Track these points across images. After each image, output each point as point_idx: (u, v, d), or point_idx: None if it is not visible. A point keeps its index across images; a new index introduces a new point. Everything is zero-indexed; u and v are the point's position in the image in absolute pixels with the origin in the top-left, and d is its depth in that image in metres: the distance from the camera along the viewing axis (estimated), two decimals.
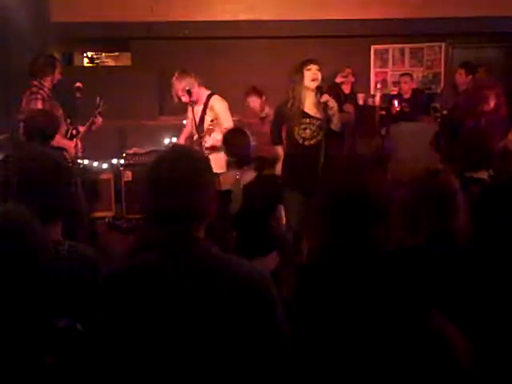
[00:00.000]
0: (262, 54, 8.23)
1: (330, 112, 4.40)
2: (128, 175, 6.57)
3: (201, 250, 1.60)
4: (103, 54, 11.37)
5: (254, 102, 6.06)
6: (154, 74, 8.13)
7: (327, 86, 5.01)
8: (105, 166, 6.84)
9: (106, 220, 6.53)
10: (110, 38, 8.52)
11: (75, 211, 2.28)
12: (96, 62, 11.45)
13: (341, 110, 5.68)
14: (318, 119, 4.48)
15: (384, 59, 8.81)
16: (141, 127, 7.40)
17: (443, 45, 8.71)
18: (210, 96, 5.08)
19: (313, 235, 2.15)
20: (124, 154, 6.73)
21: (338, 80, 7.47)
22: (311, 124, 4.49)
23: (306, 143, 4.49)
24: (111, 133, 6.82)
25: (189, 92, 4.91)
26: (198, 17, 8.07)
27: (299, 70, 4.49)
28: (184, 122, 5.58)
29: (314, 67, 4.47)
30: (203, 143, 4.79)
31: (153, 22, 7.97)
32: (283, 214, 4.02)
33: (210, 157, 4.30)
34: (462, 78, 6.80)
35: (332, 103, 4.41)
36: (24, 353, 1.58)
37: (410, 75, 7.65)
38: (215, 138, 4.81)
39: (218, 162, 4.03)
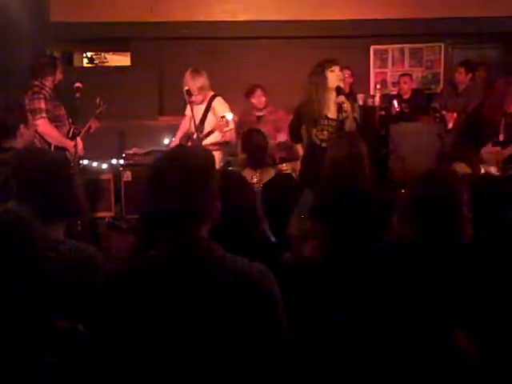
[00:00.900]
0: (261, 54, 8.23)
1: (344, 114, 4.40)
2: (128, 175, 6.56)
3: (202, 250, 1.60)
4: (103, 54, 11.38)
5: (260, 97, 6.01)
6: (153, 74, 8.14)
7: None
8: (104, 166, 6.83)
9: (106, 220, 6.52)
10: (110, 38, 8.52)
11: (79, 211, 2.26)
12: (96, 62, 11.45)
13: None
14: (335, 120, 4.48)
15: (383, 59, 8.81)
16: (140, 127, 7.40)
17: (443, 45, 8.71)
18: (213, 97, 5.09)
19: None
20: (124, 154, 6.73)
21: None
22: (329, 126, 4.49)
23: (324, 145, 4.49)
24: (111, 133, 6.82)
25: (188, 92, 4.91)
26: (198, 17, 8.07)
27: (321, 72, 4.45)
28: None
29: (336, 68, 4.47)
30: (204, 141, 4.81)
31: (153, 22, 7.97)
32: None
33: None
34: (461, 77, 6.80)
35: (346, 106, 4.41)
36: (24, 353, 1.58)
37: (410, 75, 7.64)
38: (216, 138, 4.84)
39: None
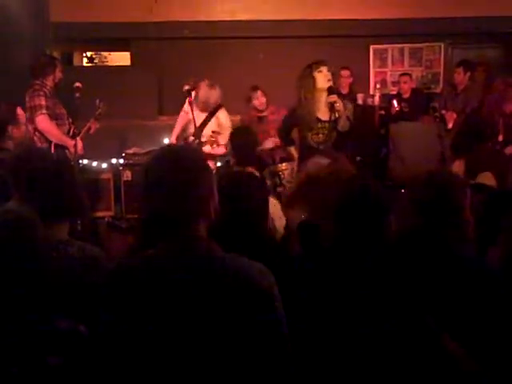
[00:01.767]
0: (259, 54, 8.23)
1: (337, 114, 4.36)
2: (128, 175, 6.56)
3: (202, 250, 1.60)
4: (103, 54, 11.38)
5: (260, 98, 6.01)
6: (153, 74, 8.14)
7: None
8: (104, 165, 6.84)
9: (106, 220, 6.52)
10: (110, 38, 8.53)
11: (81, 211, 2.27)
12: (95, 61, 11.45)
13: None
14: (328, 122, 4.45)
15: (383, 59, 8.81)
16: (140, 127, 7.40)
17: (442, 45, 8.71)
18: (218, 106, 5.09)
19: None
20: (124, 154, 6.73)
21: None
22: (323, 128, 4.47)
23: (321, 147, 4.48)
24: (111, 133, 6.81)
25: (189, 92, 4.92)
26: (198, 17, 8.08)
27: (309, 74, 4.41)
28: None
29: (324, 68, 4.41)
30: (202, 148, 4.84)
31: (153, 22, 7.97)
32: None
33: None
34: (460, 77, 6.81)
35: (339, 105, 4.36)
36: (26, 354, 1.58)
37: (410, 75, 7.65)
38: (215, 149, 4.89)
39: None
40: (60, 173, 2.14)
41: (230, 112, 5.24)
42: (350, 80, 7.64)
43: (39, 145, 4.84)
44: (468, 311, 1.94)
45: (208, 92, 4.98)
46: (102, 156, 6.76)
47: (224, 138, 5.00)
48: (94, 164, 6.71)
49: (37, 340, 1.61)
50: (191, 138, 4.99)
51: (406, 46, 8.75)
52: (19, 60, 5.58)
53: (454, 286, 1.99)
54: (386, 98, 7.78)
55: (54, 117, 5.00)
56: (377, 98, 7.81)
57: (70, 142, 5.02)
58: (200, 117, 5.03)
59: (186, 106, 5.15)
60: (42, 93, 4.94)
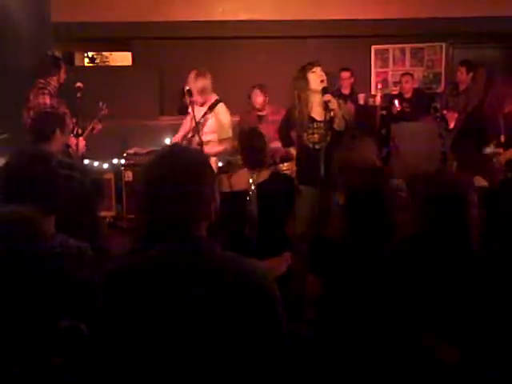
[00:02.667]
0: (261, 54, 8.23)
1: (332, 113, 4.37)
2: (129, 175, 6.56)
3: (203, 250, 1.59)
4: (104, 54, 11.39)
5: (258, 96, 6.00)
6: (154, 74, 8.15)
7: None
8: (105, 165, 6.84)
9: (107, 220, 6.52)
10: (111, 37, 8.54)
11: (60, 203, 2.22)
12: (97, 61, 11.46)
13: None
14: (323, 122, 4.46)
15: (384, 59, 8.81)
16: (141, 127, 7.40)
17: (444, 45, 8.71)
18: (216, 102, 5.07)
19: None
20: (124, 154, 6.73)
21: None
22: (319, 128, 4.48)
23: (317, 147, 4.48)
24: (112, 133, 6.81)
25: (189, 92, 4.90)
26: (198, 17, 8.07)
27: (303, 75, 4.45)
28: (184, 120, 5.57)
29: (318, 69, 4.44)
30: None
31: (153, 22, 7.98)
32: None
33: None
34: (462, 76, 6.82)
35: (333, 104, 4.37)
36: (28, 354, 1.58)
37: (411, 75, 7.64)
38: (212, 148, 4.87)
39: None
40: (41, 167, 2.12)
41: (230, 112, 5.22)
42: (351, 80, 7.63)
43: None
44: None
45: (194, 79, 4.94)
46: (103, 156, 6.76)
47: (223, 134, 4.98)
48: (96, 164, 6.71)
49: (39, 340, 1.61)
50: (189, 135, 4.97)
51: (408, 46, 8.75)
52: (19, 60, 5.58)
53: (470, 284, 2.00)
54: (388, 98, 7.77)
55: None
56: (378, 98, 7.81)
57: (73, 141, 5.03)
58: (199, 111, 5.01)
59: (190, 111, 5.14)
60: (46, 91, 4.96)
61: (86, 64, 11.57)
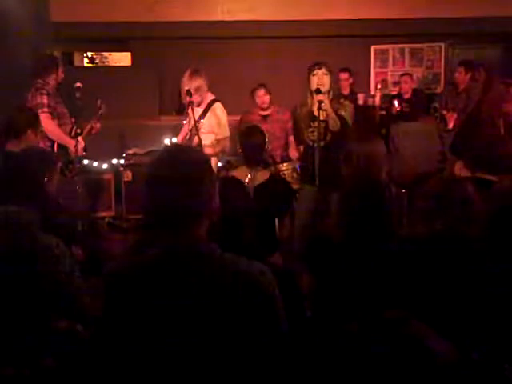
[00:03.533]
0: (261, 54, 8.23)
1: (325, 113, 4.40)
2: (128, 175, 6.57)
3: (202, 250, 1.60)
4: (103, 54, 11.38)
5: (263, 95, 5.98)
6: (153, 74, 8.14)
7: None
8: (105, 166, 6.84)
9: (106, 220, 6.53)
10: (110, 38, 8.53)
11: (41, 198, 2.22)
12: (96, 62, 11.45)
13: None
14: (324, 121, 4.50)
15: (384, 59, 8.81)
16: (141, 127, 7.40)
17: (443, 45, 8.72)
18: (213, 101, 5.06)
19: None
20: (124, 154, 6.74)
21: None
22: (319, 126, 4.51)
23: (315, 145, 4.51)
24: (111, 133, 6.81)
25: (188, 92, 4.90)
26: (198, 17, 8.08)
27: (308, 76, 4.54)
28: (184, 121, 5.58)
29: (319, 72, 4.49)
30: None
31: (153, 21, 7.98)
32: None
33: None
34: (461, 76, 6.82)
35: (325, 105, 4.39)
36: (24, 355, 1.58)
37: (411, 75, 7.64)
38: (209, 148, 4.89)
39: None
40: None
41: (230, 112, 5.22)
42: (350, 81, 7.63)
43: (42, 144, 4.84)
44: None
45: (189, 78, 4.93)
46: (102, 156, 6.77)
47: (221, 133, 4.99)
48: (95, 164, 6.71)
49: (34, 340, 1.61)
50: (188, 136, 4.97)
51: (407, 46, 8.75)
52: (19, 60, 5.58)
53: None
54: (387, 98, 7.77)
55: (55, 116, 5.00)
56: (377, 98, 7.81)
57: (71, 142, 5.01)
58: (197, 112, 5.01)
59: (189, 112, 5.13)
60: (44, 91, 4.95)
61: (85, 64, 11.55)
